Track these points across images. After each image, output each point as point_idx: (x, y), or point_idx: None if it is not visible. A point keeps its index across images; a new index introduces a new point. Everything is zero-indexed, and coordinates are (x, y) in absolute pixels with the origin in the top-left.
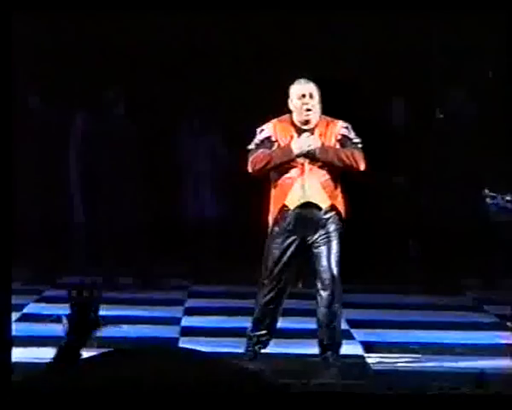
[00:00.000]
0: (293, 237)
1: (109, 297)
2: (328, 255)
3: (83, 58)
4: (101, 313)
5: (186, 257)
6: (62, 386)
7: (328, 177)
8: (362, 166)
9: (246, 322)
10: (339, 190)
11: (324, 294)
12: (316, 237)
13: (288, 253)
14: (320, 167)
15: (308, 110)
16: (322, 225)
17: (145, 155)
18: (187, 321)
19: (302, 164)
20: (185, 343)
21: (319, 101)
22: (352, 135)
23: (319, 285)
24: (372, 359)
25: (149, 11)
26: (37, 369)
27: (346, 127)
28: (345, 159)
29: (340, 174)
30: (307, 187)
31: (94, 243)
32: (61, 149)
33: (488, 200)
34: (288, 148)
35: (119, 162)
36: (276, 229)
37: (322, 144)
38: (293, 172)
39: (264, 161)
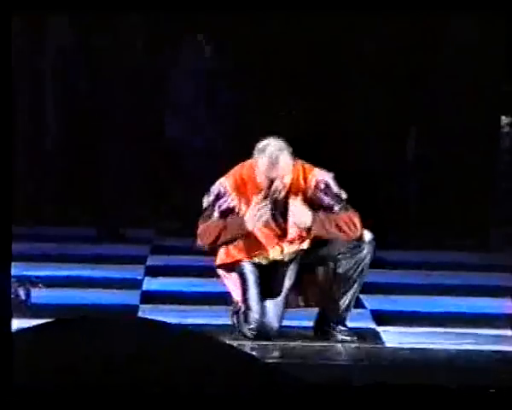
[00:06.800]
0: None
1: (55, 253)
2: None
3: None
4: (45, 273)
5: (148, 200)
6: None
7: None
8: (358, 233)
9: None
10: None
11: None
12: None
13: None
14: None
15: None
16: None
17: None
18: (149, 284)
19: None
20: (147, 313)
21: (290, 160)
22: (335, 189)
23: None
24: (386, 333)
25: None
26: None
27: (326, 183)
28: (346, 229)
29: None
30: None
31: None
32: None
33: None
34: (240, 221)
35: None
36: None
37: (314, 217)
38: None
39: (214, 234)
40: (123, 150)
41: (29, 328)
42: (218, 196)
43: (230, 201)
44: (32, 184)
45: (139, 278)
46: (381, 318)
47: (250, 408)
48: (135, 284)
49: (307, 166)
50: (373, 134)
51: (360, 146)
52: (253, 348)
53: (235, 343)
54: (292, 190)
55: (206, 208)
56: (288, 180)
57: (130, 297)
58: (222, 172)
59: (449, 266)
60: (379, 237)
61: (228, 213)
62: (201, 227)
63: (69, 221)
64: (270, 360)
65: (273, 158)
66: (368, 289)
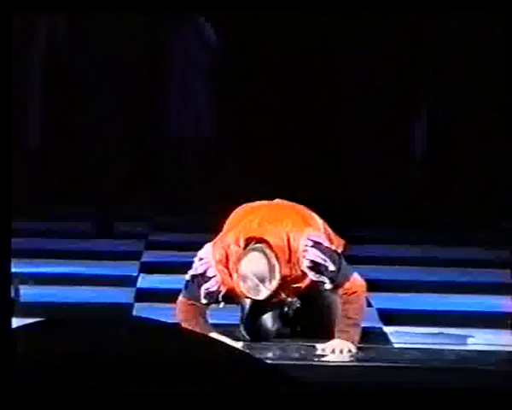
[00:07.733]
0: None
1: (46, 249)
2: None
3: None
4: (35, 269)
5: (143, 194)
6: None
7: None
8: (360, 283)
9: None
10: None
11: None
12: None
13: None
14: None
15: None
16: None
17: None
18: (144, 281)
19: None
20: (142, 311)
21: (273, 280)
22: (321, 263)
23: None
24: (393, 333)
25: None
26: None
27: (311, 262)
28: (363, 312)
29: None
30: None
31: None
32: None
33: None
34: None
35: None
36: None
37: (339, 335)
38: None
39: (183, 322)
40: (118, 144)
41: (18, 327)
42: (204, 278)
43: (215, 285)
44: (23, 179)
45: (134, 274)
46: (388, 317)
47: (247, 408)
48: (129, 281)
49: (293, 247)
50: (380, 131)
51: (367, 142)
52: (251, 348)
53: (233, 343)
54: (281, 289)
55: (193, 278)
56: (275, 286)
57: (124, 295)
58: (219, 168)
59: (458, 264)
60: (385, 234)
61: (213, 295)
62: (178, 303)
63: (61, 216)
64: (269, 360)
65: (254, 290)
66: (374, 287)
